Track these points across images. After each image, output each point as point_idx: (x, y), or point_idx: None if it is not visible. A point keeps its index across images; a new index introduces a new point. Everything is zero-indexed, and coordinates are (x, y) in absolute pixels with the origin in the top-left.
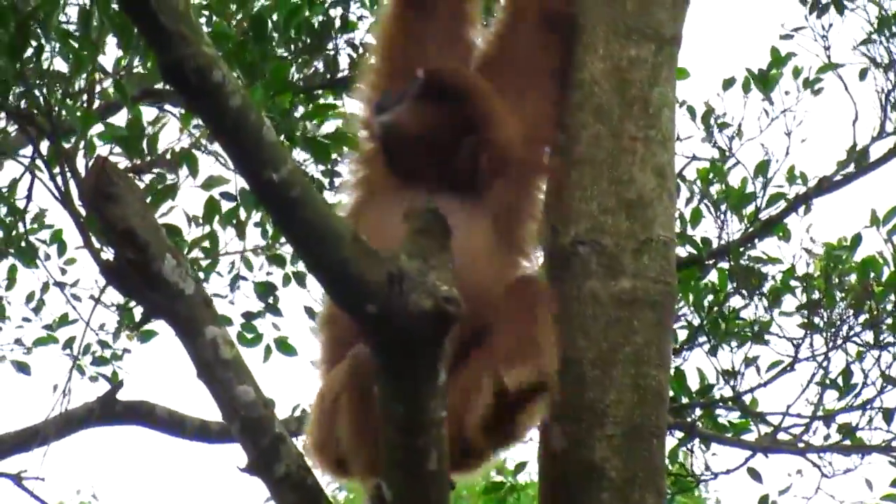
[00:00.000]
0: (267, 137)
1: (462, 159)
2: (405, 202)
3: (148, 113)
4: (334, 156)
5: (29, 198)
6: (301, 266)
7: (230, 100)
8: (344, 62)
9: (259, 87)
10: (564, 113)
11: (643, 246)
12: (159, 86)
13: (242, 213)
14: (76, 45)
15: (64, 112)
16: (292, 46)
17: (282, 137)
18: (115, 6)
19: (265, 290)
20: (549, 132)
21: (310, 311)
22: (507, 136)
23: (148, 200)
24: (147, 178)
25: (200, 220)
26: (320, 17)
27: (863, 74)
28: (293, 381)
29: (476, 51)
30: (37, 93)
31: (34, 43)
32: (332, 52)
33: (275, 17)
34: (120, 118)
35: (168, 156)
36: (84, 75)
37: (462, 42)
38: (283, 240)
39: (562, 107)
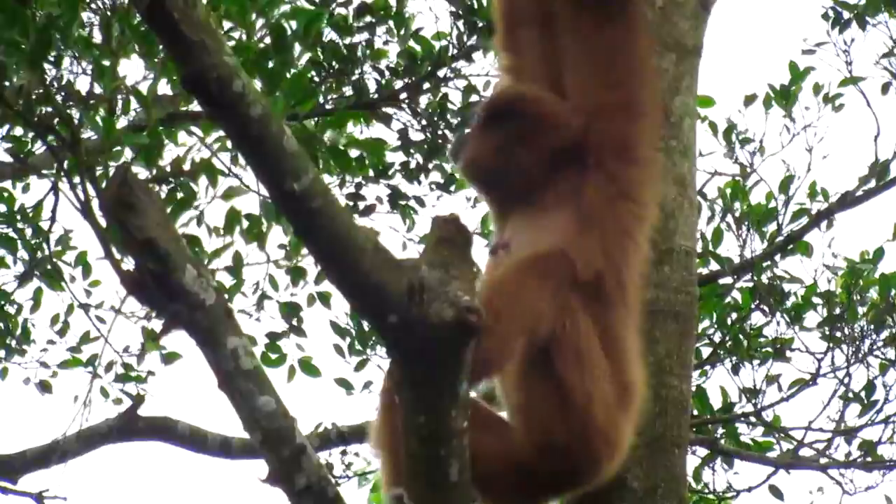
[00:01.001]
0: (288, 147)
1: (515, 171)
2: (494, 240)
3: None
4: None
5: (53, 218)
6: (325, 286)
7: (251, 109)
8: (371, 86)
9: (280, 96)
10: (639, 83)
11: (664, 256)
12: (184, 109)
13: (264, 226)
14: (97, 53)
15: (84, 120)
16: (322, 72)
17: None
18: (137, 17)
19: (290, 311)
20: (620, 101)
21: (335, 327)
22: (558, 133)
23: (168, 211)
24: (167, 188)
25: (221, 232)
26: (348, 41)
27: (885, 89)
28: (316, 401)
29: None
30: (58, 99)
31: (54, 53)
32: (359, 77)
33: (294, 24)
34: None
35: (187, 166)
36: (105, 85)
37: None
38: (304, 251)
39: (634, 77)
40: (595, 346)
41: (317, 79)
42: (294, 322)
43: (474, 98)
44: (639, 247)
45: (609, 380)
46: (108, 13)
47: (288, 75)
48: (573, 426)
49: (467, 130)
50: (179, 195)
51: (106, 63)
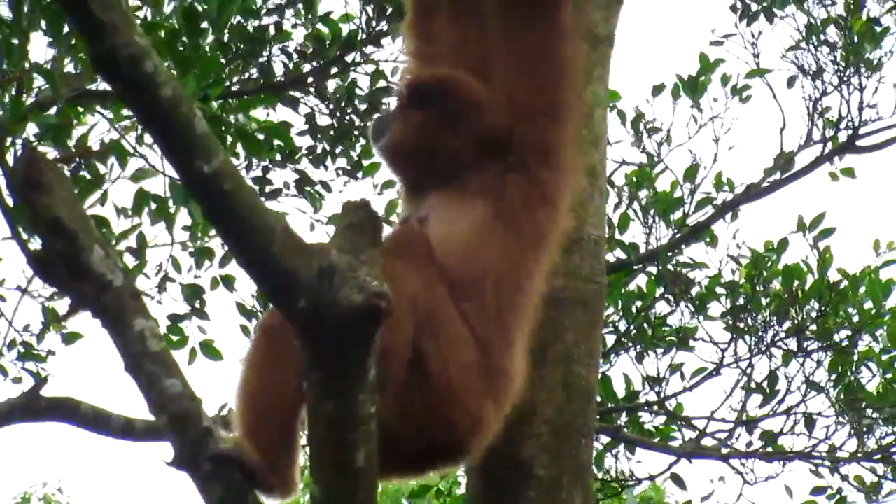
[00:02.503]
0: (198, 129)
1: (443, 151)
2: (408, 213)
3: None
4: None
5: None
6: (230, 269)
7: (161, 90)
8: (278, 69)
9: (191, 78)
10: (565, 87)
11: (574, 245)
12: (92, 87)
13: (172, 208)
14: (7, 31)
15: None
16: (228, 52)
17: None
18: None
19: (193, 293)
20: (545, 106)
21: (241, 308)
22: (486, 120)
23: (76, 191)
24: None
25: (129, 213)
26: (255, 23)
27: (791, 82)
28: (218, 385)
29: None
30: None
31: None
32: (266, 59)
33: (206, 7)
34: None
35: (96, 146)
36: (13, 63)
37: (476, 50)
38: (211, 233)
39: (559, 81)
40: (458, 327)
41: (223, 60)
42: (196, 304)
43: (382, 83)
44: (548, 252)
45: (475, 360)
46: None
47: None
48: (428, 396)
49: (388, 110)
50: (87, 176)
51: (15, 41)
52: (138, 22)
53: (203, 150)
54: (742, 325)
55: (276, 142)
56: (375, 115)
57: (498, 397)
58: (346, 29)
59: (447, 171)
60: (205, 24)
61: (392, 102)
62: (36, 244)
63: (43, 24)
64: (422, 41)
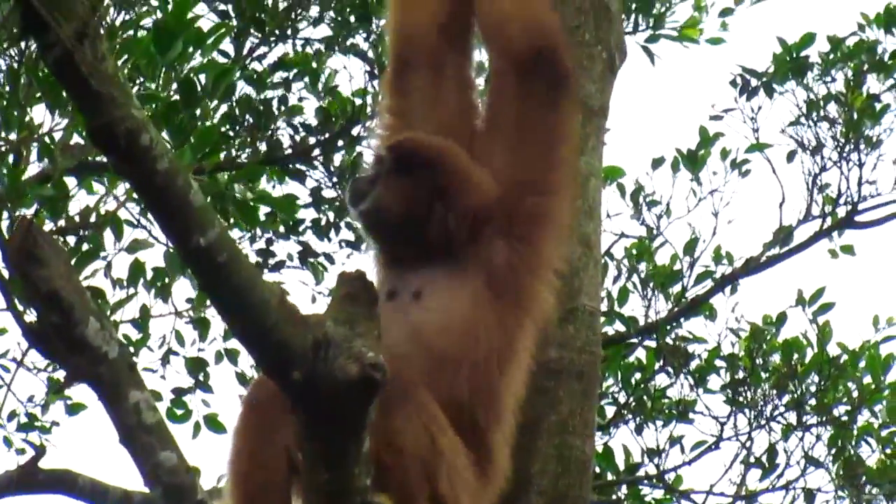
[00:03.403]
0: (194, 201)
1: (436, 226)
2: (388, 282)
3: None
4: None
5: None
6: (232, 343)
7: (158, 163)
8: (285, 142)
9: (187, 149)
10: (561, 162)
11: (569, 315)
12: (93, 158)
13: (167, 278)
14: (4, 104)
15: None
16: (235, 125)
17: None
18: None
19: (196, 366)
20: (540, 181)
21: (241, 378)
22: (479, 195)
23: (73, 262)
24: (72, 240)
25: (125, 284)
26: (262, 96)
27: (790, 157)
28: (222, 458)
29: (476, 111)
30: None
31: None
32: (273, 133)
33: (203, 79)
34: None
35: (93, 219)
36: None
37: (456, 109)
38: (208, 303)
39: (557, 155)
40: (461, 459)
41: (231, 133)
42: (200, 377)
43: None
44: (541, 322)
45: (474, 476)
46: (16, 64)
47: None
48: (414, 480)
49: (367, 173)
50: (85, 247)
51: (14, 112)
52: (134, 93)
53: (199, 222)
54: (741, 399)
55: (279, 215)
56: (353, 178)
57: (488, 483)
58: (356, 101)
59: (436, 244)
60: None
61: (371, 164)
62: (32, 316)
63: (43, 95)
64: (398, 97)
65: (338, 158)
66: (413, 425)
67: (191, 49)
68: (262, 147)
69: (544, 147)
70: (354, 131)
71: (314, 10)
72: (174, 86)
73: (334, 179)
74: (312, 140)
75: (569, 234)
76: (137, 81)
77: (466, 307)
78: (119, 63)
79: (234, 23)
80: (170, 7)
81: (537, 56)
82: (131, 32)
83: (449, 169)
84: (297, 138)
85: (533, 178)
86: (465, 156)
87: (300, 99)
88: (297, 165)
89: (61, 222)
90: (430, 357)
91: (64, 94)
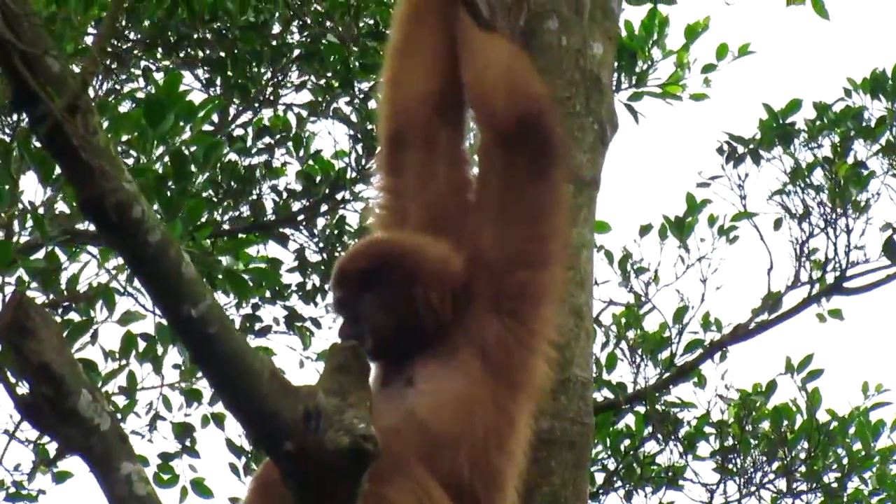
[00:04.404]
0: (186, 273)
1: (424, 310)
2: (386, 372)
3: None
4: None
5: None
6: (219, 407)
7: (150, 236)
8: (269, 206)
9: (178, 222)
10: (550, 234)
11: (561, 386)
12: (81, 226)
13: (160, 349)
14: None
15: None
16: (219, 190)
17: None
18: (36, 142)
19: (183, 431)
20: (528, 254)
21: (231, 445)
22: (450, 270)
23: (65, 335)
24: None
25: (117, 355)
26: (246, 162)
27: (777, 224)
28: None
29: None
30: None
31: None
32: (257, 197)
33: (193, 149)
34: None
35: (84, 289)
36: (4, 209)
37: (450, 186)
38: (200, 374)
39: (547, 227)
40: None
41: (215, 198)
42: (187, 442)
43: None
44: (535, 396)
45: None
46: (8, 138)
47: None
48: None
49: (345, 322)
50: (76, 319)
51: (6, 186)
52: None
53: (190, 294)
54: (731, 466)
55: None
56: (342, 334)
57: None
58: (336, 164)
59: (430, 334)
60: (192, 168)
61: (338, 306)
62: (24, 388)
63: (32, 167)
64: (391, 176)
65: (321, 222)
66: (408, 498)
67: (181, 122)
68: (246, 212)
69: (532, 219)
70: (338, 195)
71: (296, 77)
72: (165, 158)
73: (319, 243)
74: (296, 204)
75: (561, 304)
76: (129, 154)
77: (460, 386)
78: (109, 136)
79: (219, 90)
80: (158, 79)
81: (522, 124)
82: (121, 106)
83: (408, 257)
84: (280, 202)
85: (520, 251)
86: (416, 238)
87: (283, 164)
88: (281, 229)
89: (52, 295)
90: (426, 437)
91: (55, 167)
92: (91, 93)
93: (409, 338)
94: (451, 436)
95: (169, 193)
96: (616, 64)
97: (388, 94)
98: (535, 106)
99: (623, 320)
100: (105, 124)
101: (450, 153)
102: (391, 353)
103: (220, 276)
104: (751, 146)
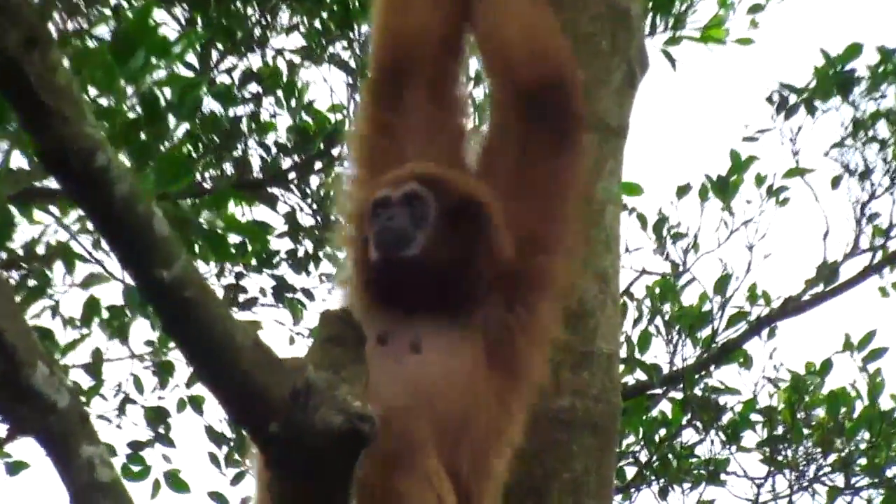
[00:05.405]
0: (157, 230)
1: (475, 275)
2: (378, 324)
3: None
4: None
5: None
6: (197, 389)
7: (116, 187)
8: (256, 164)
9: (150, 173)
10: (570, 216)
11: (583, 360)
12: (40, 185)
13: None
14: None
15: None
16: (199, 144)
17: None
18: None
19: (156, 416)
20: (545, 238)
21: (210, 432)
22: (504, 252)
23: (19, 300)
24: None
25: (78, 323)
26: (230, 113)
27: (835, 182)
28: None
29: (470, 142)
30: None
31: None
32: (242, 153)
33: (168, 93)
34: None
35: (41, 250)
36: None
37: (449, 134)
38: (173, 345)
39: (566, 208)
40: None
41: (194, 154)
42: (161, 429)
43: None
44: (528, 398)
45: None
46: None
47: (161, 149)
48: None
49: (395, 215)
50: (32, 282)
51: None
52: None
53: (162, 254)
54: (781, 458)
55: (251, 246)
56: (383, 222)
57: None
58: (331, 119)
59: (454, 297)
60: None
61: (398, 201)
62: None
63: None
64: (385, 111)
65: (315, 181)
66: (420, 494)
67: (154, 60)
68: (230, 169)
69: (550, 198)
70: (334, 151)
71: (286, 18)
72: (135, 101)
73: (312, 205)
74: (287, 161)
75: (582, 269)
76: (92, 96)
77: (467, 370)
78: (72, 75)
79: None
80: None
81: (544, 88)
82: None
83: (491, 220)
84: (269, 159)
85: (538, 234)
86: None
87: (272, 115)
88: (270, 189)
89: (3, 254)
90: (433, 419)
91: (11, 114)
92: (52, 30)
93: (448, 276)
94: (457, 421)
95: (139, 141)
96: (650, 3)
97: (386, 19)
98: (559, 70)
99: (658, 292)
100: (66, 62)
101: (453, 99)
102: (418, 286)
103: (198, 241)
104: (804, 96)
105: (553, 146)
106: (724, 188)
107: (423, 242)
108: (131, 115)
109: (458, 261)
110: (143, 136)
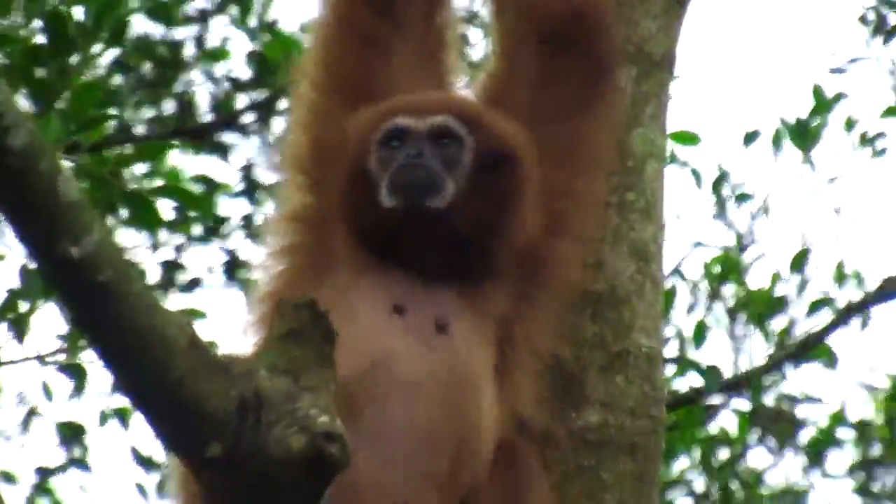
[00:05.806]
0: (64, 193)
1: (501, 242)
2: (389, 289)
3: None
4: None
5: None
6: (123, 399)
7: (10, 137)
8: (204, 103)
9: (54, 117)
10: (597, 186)
11: (617, 361)
12: None
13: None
14: None
15: None
16: (127, 76)
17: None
18: None
19: (71, 434)
20: (565, 213)
21: (137, 455)
22: (538, 221)
23: None
24: None
25: None
26: (169, 37)
27: None
28: None
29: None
30: None
31: None
32: (183, 91)
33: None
34: None
35: None
36: None
37: (434, 63)
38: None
39: (593, 176)
40: None
41: (120, 91)
42: (76, 451)
43: None
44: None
45: None
46: None
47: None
48: None
49: (423, 155)
50: None
51: None
52: None
53: (70, 224)
54: (876, 487)
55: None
56: (405, 158)
57: None
58: (300, 44)
59: (478, 268)
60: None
61: (424, 135)
62: None
63: None
64: (377, 14)
65: (279, 125)
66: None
67: None
68: (170, 109)
69: (575, 161)
70: None
71: None
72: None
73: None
74: (242, 100)
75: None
76: None
77: (489, 362)
78: None
79: None
80: None
81: (575, 23)
82: None
83: (531, 178)
84: (219, 97)
85: (558, 209)
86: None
87: (223, 40)
88: (221, 136)
89: None
90: (461, 421)
91: None
92: None
93: (475, 240)
94: (471, 424)
95: (43, 75)
96: None
97: None
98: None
99: (717, 271)
100: None
101: (444, 20)
102: (439, 248)
103: (120, 201)
104: None
105: (578, 90)
106: (803, 134)
107: (453, 193)
108: (33, 42)
109: (487, 224)
110: (47, 69)
